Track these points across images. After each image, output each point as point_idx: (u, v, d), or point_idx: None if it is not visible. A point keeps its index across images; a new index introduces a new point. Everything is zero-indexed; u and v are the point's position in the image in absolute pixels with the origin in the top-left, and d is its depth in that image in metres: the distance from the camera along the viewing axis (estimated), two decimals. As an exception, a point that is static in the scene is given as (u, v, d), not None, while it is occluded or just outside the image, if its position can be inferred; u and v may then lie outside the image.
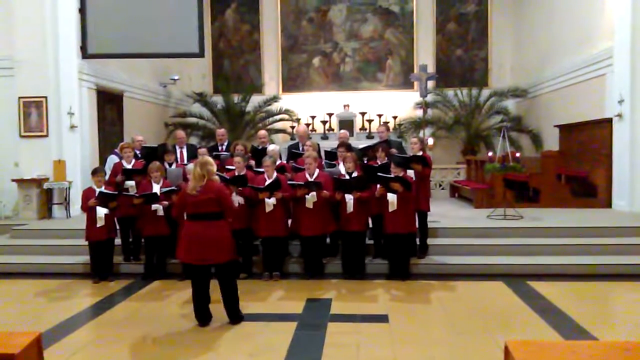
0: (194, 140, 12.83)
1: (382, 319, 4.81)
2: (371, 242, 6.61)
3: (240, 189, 6.03)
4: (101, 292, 5.90)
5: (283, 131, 13.71)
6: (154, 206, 6.13)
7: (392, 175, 5.91)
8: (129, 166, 6.75)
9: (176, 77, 13.19)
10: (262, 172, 6.19)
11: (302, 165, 6.42)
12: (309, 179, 6.07)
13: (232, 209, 4.92)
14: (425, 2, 14.13)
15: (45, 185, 8.73)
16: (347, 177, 6.17)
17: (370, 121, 13.63)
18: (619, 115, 8.47)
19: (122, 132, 10.88)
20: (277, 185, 5.97)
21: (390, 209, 5.91)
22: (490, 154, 8.85)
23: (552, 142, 11.14)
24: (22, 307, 5.51)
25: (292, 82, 14.61)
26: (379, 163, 6.36)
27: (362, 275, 6.19)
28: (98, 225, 6.14)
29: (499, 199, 8.49)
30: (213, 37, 14.57)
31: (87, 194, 6.26)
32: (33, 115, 8.86)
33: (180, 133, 8.10)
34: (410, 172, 6.20)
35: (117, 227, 6.56)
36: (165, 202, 6.13)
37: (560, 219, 7.65)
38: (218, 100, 13.71)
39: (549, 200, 8.99)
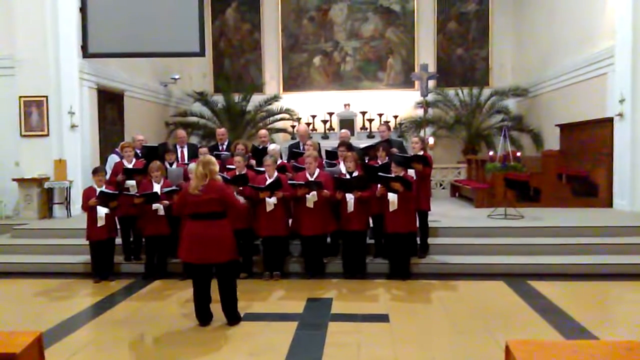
0: (194, 140, 12.81)
1: (383, 318, 4.80)
2: (372, 241, 6.60)
3: (241, 188, 6.02)
4: (102, 291, 5.90)
5: (284, 130, 13.70)
6: (155, 206, 6.13)
7: (392, 175, 5.90)
8: (130, 165, 6.74)
9: (177, 77, 13.18)
10: (263, 172, 6.19)
11: (302, 164, 6.41)
12: (310, 179, 6.07)
13: (239, 206, 4.91)
14: (426, 1, 14.12)
15: (46, 185, 8.73)
16: (348, 176, 6.16)
17: (370, 120, 13.63)
18: (620, 115, 8.46)
19: (123, 132, 10.88)
20: (277, 185, 5.97)
21: (391, 209, 5.91)
22: (491, 153, 8.85)
23: (553, 141, 11.13)
24: (23, 306, 5.51)
25: (293, 81, 14.60)
26: (380, 162, 6.35)
27: (362, 274, 6.19)
28: (99, 225, 6.13)
29: (500, 198, 8.48)
30: (214, 36, 14.56)
31: (88, 193, 6.26)
32: (34, 114, 8.86)
33: (181, 132, 8.11)
34: (411, 172, 6.19)
35: (118, 227, 6.56)
36: (166, 202, 6.13)
37: (561, 219, 7.64)
38: (219, 99, 13.71)
39: (550, 200, 8.98)
